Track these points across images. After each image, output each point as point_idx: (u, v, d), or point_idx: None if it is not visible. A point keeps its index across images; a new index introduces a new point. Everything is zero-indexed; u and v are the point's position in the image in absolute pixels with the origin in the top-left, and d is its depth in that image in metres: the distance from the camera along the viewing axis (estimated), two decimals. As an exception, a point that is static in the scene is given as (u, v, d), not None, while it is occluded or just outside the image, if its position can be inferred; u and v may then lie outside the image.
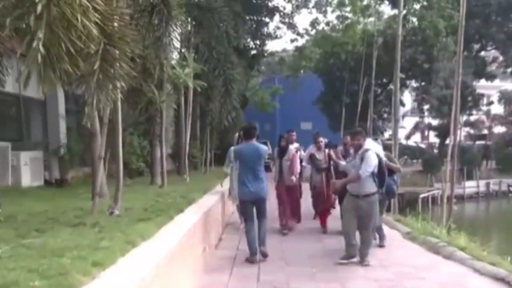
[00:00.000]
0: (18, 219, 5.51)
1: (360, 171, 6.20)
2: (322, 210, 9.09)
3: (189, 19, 12.93)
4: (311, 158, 9.02)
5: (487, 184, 33.18)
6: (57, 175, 11.59)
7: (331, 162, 8.63)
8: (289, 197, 8.88)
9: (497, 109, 40.29)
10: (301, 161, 9.26)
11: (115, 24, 5.21)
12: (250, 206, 6.78)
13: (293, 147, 8.99)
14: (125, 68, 5.21)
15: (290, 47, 34.55)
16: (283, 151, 8.86)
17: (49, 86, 4.27)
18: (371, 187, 6.36)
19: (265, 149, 6.81)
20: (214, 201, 8.28)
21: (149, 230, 4.77)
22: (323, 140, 9.24)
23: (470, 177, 31.99)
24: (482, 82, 35.16)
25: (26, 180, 10.28)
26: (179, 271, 4.60)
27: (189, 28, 13.47)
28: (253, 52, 25.74)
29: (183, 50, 13.88)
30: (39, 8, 3.61)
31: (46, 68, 4.04)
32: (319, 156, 9.00)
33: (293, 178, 8.62)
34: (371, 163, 6.25)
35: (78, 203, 7.37)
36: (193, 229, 5.64)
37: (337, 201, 8.75)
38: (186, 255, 4.98)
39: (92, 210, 6.29)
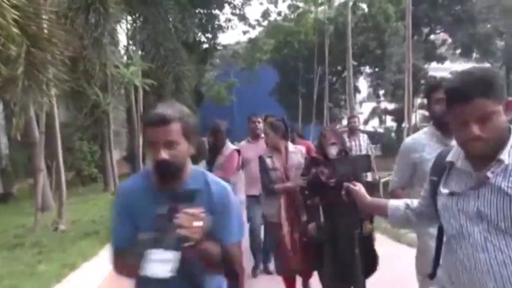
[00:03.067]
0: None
1: None
2: (282, 270, 4.23)
3: (133, 15, 12.36)
4: (260, 167, 4.38)
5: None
6: (0, 189, 10.83)
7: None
8: None
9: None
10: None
11: (44, 25, 4.75)
12: None
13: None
14: (56, 71, 4.76)
15: (244, 39, 34.26)
16: (214, 153, 4.91)
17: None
18: None
19: None
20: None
21: (93, 248, 4.38)
22: (279, 126, 4.29)
23: (427, 159, 32.72)
24: (433, 64, 35.97)
25: (-35, 196, 9.57)
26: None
27: (134, 24, 12.89)
28: (205, 46, 25.17)
29: (129, 48, 13.34)
30: None
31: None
32: (274, 163, 4.25)
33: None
34: None
35: (21, 220, 6.85)
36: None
37: None
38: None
39: (34, 227, 5.83)
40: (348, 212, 3.42)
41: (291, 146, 4.43)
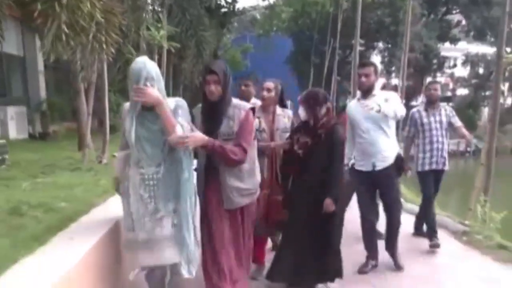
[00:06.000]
0: (21, 165, 6.44)
1: None
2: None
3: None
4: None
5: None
6: (40, 129, 12.35)
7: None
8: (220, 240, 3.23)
9: (462, 72, 41.76)
10: None
11: None
12: None
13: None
14: (113, 36, 6.09)
15: (262, 3, 34.79)
16: (213, 118, 3.26)
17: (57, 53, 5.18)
18: None
19: None
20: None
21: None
22: (267, 85, 4.27)
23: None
24: (447, 45, 36.42)
25: (13, 133, 11.01)
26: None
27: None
28: (224, 10, 26.04)
29: (156, 9, 14.46)
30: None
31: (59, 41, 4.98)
32: (261, 124, 4.18)
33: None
34: None
35: (67, 154, 8.26)
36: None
37: None
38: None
39: (83, 159, 7.30)
40: (310, 187, 3.74)
41: (278, 109, 4.30)
